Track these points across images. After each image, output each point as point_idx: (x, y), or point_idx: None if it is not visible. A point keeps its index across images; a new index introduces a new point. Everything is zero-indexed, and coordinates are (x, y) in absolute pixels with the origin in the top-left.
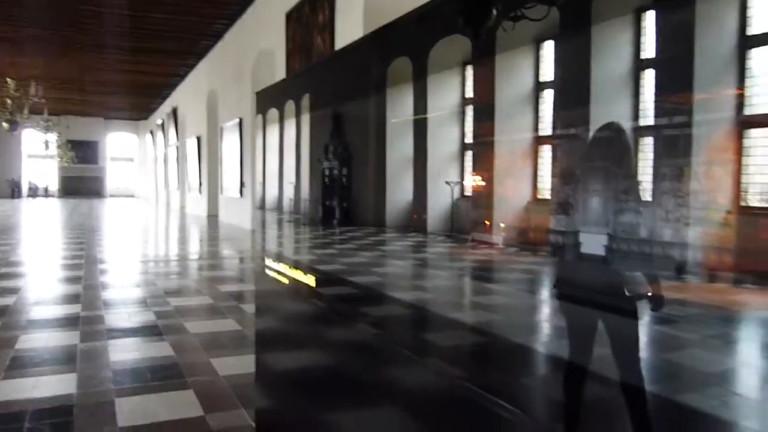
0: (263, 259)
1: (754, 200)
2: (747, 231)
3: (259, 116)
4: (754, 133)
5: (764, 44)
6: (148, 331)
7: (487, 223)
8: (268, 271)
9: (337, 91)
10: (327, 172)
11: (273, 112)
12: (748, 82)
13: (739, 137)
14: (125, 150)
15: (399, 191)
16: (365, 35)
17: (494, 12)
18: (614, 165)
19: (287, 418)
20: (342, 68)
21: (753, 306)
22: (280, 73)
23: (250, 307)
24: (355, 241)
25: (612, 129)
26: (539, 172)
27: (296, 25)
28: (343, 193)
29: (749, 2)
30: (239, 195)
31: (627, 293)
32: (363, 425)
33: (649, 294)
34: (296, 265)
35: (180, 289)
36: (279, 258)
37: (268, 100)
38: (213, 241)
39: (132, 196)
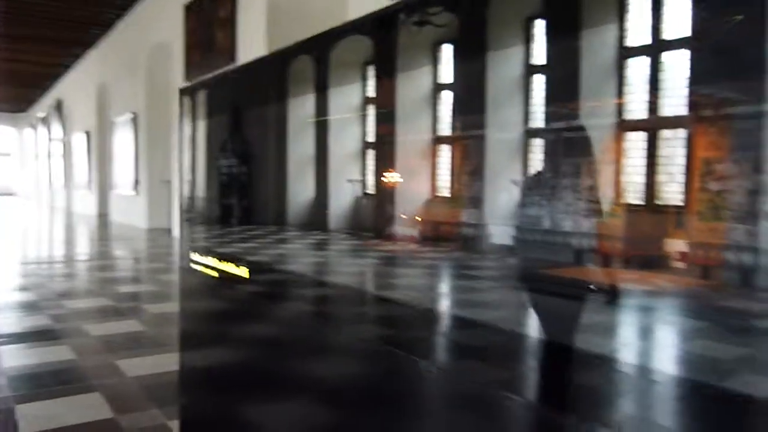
0: (188, 254)
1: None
2: (629, 222)
3: (184, 112)
4: (631, 136)
5: (640, 55)
6: (45, 335)
7: (393, 218)
8: (193, 266)
9: (236, 88)
10: (225, 170)
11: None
12: (626, 89)
13: (620, 140)
14: (3, 144)
15: (301, 189)
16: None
17: (401, 17)
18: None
19: (211, 414)
20: (243, 65)
21: (638, 284)
22: (178, 68)
23: (153, 307)
24: (257, 240)
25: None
26: (438, 171)
27: (196, 19)
28: (243, 191)
29: (626, 16)
30: (134, 192)
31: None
32: (283, 417)
33: (604, 287)
34: (225, 257)
35: (74, 291)
36: (205, 251)
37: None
38: (105, 241)
39: (11, 194)
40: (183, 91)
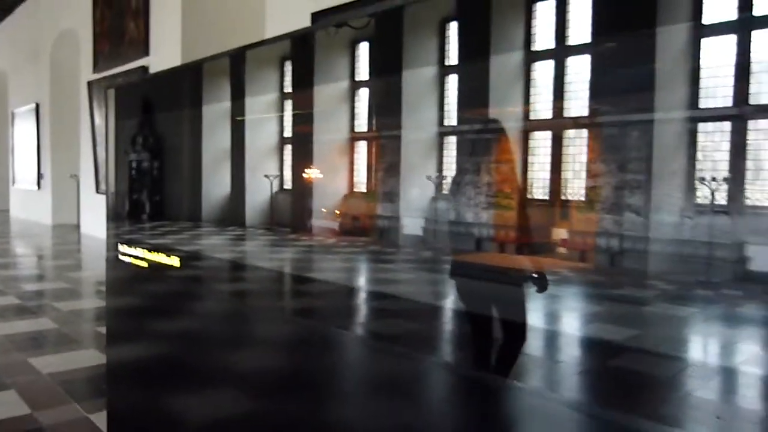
0: (114, 247)
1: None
2: (523, 214)
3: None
4: (537, 135)
5: (545, 59)
6: None
7: (311, 213)
8: (121, 258)
9: (147, 81)
10: (135, 165)
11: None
12: (532, 91)
13: (526, 139)
14: None
15: (216, 185)
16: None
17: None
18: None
19: (139, 406)
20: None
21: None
22: (86, 57)
23: (64, 305)
24: (170, 236)
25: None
26: (356, 168)
27: (105, 7)
28: (154, 186)
29: (533, 21)
30: (37, 187)
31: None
32: (207, 406)
33: (535, 275)
34: (155, 248)
35: None
36: (134, 243)
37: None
38: (6, 237)
39: None
40: (114, 89)
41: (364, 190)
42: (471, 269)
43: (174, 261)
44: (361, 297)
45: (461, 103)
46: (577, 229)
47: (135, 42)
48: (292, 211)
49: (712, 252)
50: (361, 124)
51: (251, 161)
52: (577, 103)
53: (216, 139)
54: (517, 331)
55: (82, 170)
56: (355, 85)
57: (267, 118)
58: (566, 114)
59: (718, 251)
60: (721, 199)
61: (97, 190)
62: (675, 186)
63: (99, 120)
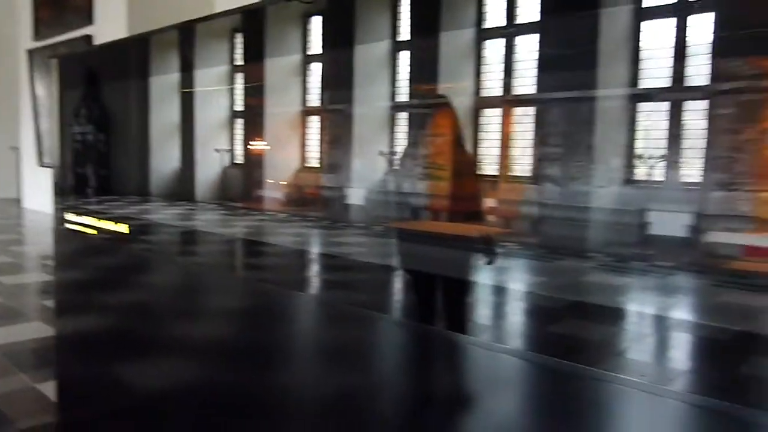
0: (61, 219)
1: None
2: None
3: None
4: (487, 112)
5: (496, 37)
6: None
7: (263, 186)
8: (68, 227)
9: (92, 52)
10: (80, 138)
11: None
12: (484, 69)
13: (477, 116)
14: None
15: (165, 159)
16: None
17: None
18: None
19: (89, 376)
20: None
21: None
22: (25, 24)
23: (9, 279)
24: (118, 210)
25: None
26: (308, 141)
27: None
28: (100, 160)
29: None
30: None
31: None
32: (157, 374)
33: (486, 248)
34: (105, 216)
35: None
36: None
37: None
38: None
39: None
40: (58, 60)
41: (317, 164)
42: (426, 237)
43: (122, 228)
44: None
45: (412, 79)
46: (505, 198)
47: (78, 9)
48: (243, 183)
49: (619, 217)
50: (314, 99)
51: (201, 135)
52: (522, 81)
53: (165, 113)
54: (465, 289)
55: (22, 142)
56: (308, 59)
57: (217, 91)
58: (510, 92)
59: (624, 217)
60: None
61: (41, 163)
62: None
63: (41, 90)
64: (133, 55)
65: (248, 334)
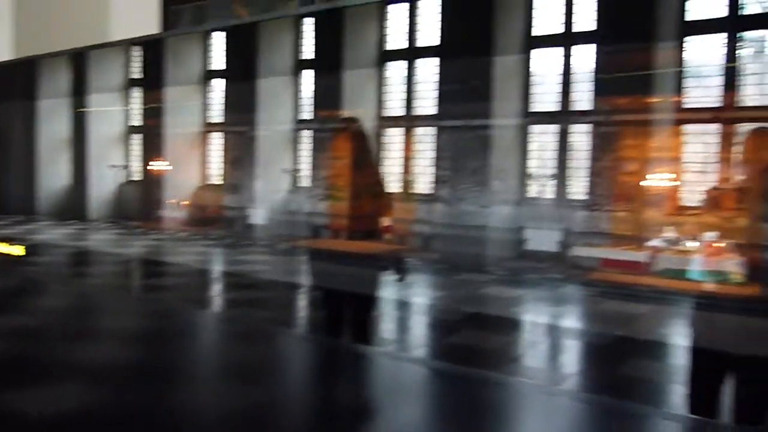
0: None
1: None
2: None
3: None
4: (388, 134)
5: (399, 59)
6: None
7: (162, 204)
8: None
9: None
10: None
11: None
12: (386, 89)
13: (378, 137)
14: None
15: (54, 176)
16: None
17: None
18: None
19: None
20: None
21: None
22: None
23: None
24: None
25: None
26: (208, 160)
27: None
28: None
29: (386, 23)
30: None
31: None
32: (49, 400)
33: (398, 266)
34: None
35: None
36: None
37: None
38: None
39: None
40: None
41: (219, 182)
42: (329, 255)
43: (18, 250)
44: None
45: (317, 99)
46: (400, 217)
47: None
48: (142, 202)
49: (500, 234)
50: (215, 117)
51: (95, 151)
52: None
53: (54, 129)
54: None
55: None
56: (209, 75)
57: (113, 107)
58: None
59: (504, 234)
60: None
61: None
62: (481, 181)
63: None
64: (20, 75)
65: (150, 353)
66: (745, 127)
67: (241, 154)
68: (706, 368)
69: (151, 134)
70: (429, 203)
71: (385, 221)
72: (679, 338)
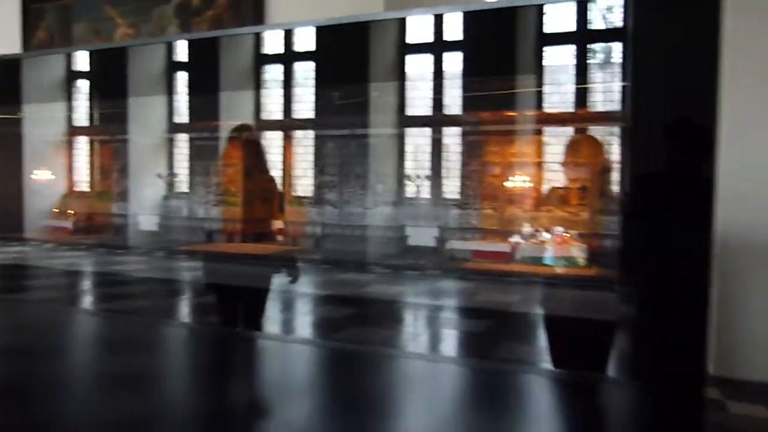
0: None
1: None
2: (248, 209)
3: None
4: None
5: (274, 62)
6: None
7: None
8: None
9: None
10: None
11: None
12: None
13: (290, 145)
14: None
15: None
16: None
17: None
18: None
19: None
20: None
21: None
22: None
23: None
24: None
25: None
26: (76, 166)
27: None
28: None
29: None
30: None
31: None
32: None
33: (290, 268)
34: None
35: None
36: None
37: None
38: None
39: None
40: None
41: (88, 189)
42: (231, 258)
43: None
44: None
45: (193, 102)
46: (290, 220)
47: None
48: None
49: (385, 233)
50: (81, 120)
51: None
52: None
53: None
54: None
55: None
56: (74, 78)
57: None
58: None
59: (388, 232)
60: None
61: None
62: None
63: None
64: None
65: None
66: (585, 133)
67: (116, 160)
68: (552, 329)
69: (11, 143)
70: (317, 206)
71: (278, 224)
72: (524, 307)
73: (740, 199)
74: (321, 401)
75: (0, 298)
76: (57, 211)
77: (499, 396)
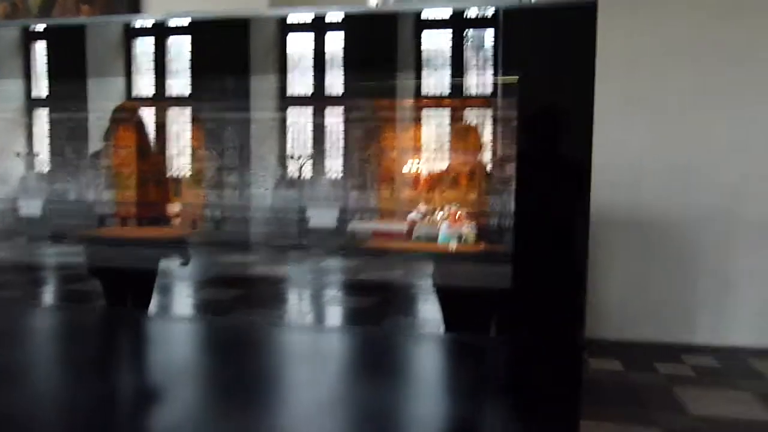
0: None
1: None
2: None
3: None
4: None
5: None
6: None
7: None
8: None
9: None
10: None
11: None
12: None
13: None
14: None
15: None
16: None
17: None
18: None
19: None
20: None
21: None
22: None
23: None
24: None
25: None
26: None
27: None
28: None
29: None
30: None
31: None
32: None
33: (180, 249)
34: None
35: None
36: None
37: None
38: None
39: None
40: None
41: None
42: (113, 241)
43: None
44: None
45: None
46: (188, 202)
47: None
48: None
49: (286, 215)
50: None
51: None
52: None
53: None
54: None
55: None
56: None
57: None
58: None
59: (289, 214)
60: (298, 174)
61: None
62: (261, 166)
63: None
64: None
65: None
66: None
67: None
68: (442, 299)
69: None
70: (217, 189)
71: (174, 207)
72: (421, 281)
73: (597, 172)
74: (207, 378)
75: None
76: None
77: (389, 359)
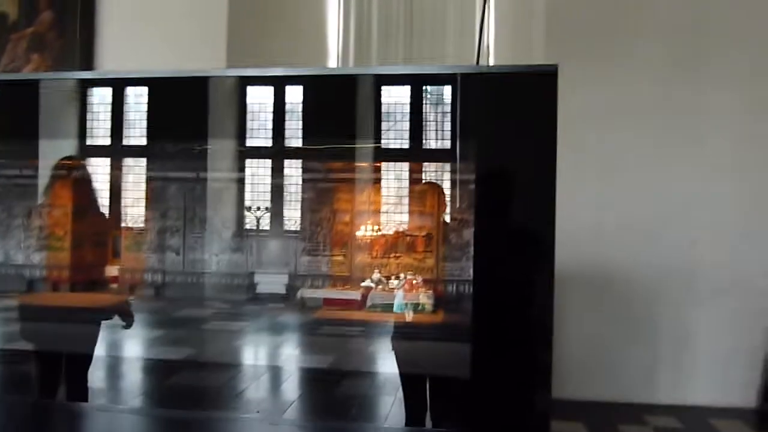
0: None
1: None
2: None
3: None
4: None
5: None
6: None
7: None
8: None
9: None
10: None
11: None
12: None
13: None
14: None
15: None
16: None
17: None
18: None
19: None
20: None
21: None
22: None
23: None
24: None
25: None
26: None
27: None
28: None
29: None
30: None
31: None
32: None
33: (123, 313)
34: None
35: None
36: None
37: None
38: None
39: None
40: None
41: None
42: (44, 310)
43: None
44: None
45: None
46: (127, 267)
47: None
48: None
49: (233, 280)
50: None
51: None
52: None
53: None
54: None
55: None
56: None
57: None
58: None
59: (236, 279)
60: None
61: None
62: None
63: None
64: None
65: None
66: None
67: None
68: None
69: None
70: (158, 252)
71: (111, 271)
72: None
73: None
74: None
75: None
76: None
77: None
